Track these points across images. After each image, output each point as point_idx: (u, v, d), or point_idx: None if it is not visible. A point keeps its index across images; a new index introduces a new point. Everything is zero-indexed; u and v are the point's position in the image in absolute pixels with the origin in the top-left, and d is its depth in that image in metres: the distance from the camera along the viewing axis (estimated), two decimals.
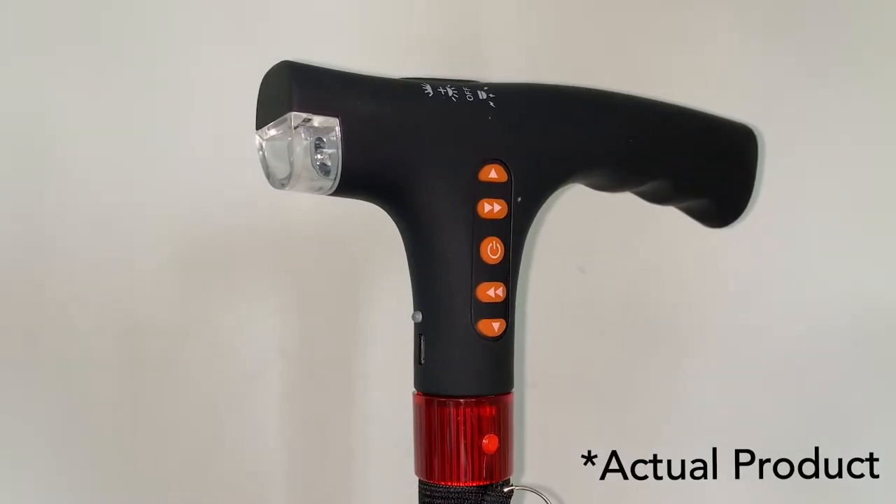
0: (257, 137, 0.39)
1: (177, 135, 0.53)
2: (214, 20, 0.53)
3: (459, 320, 0.39)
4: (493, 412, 0.39)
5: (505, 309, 0.40)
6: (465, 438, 0.39)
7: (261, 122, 0.38)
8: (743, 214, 0.50)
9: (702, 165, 0.48)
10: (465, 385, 0.39)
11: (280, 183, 0.38)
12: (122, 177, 0.53)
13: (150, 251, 0.53)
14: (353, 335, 0.55)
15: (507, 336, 0.40)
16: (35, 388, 0.53)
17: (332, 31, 0.54)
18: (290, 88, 0.34)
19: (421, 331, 0.40)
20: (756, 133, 0.49)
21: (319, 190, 0.37)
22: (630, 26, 0.55)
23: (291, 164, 0.36)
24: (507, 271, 0.40)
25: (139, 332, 0.53)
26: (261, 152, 0.39)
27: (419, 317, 0.40)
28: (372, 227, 0.48)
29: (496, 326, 0.39)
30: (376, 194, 0.39)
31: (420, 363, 0.40)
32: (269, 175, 0.39)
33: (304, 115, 0.34)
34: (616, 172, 0.44)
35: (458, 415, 0.39)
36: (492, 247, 0.39)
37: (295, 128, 0.35)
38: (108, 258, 0.53)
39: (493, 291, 0.39)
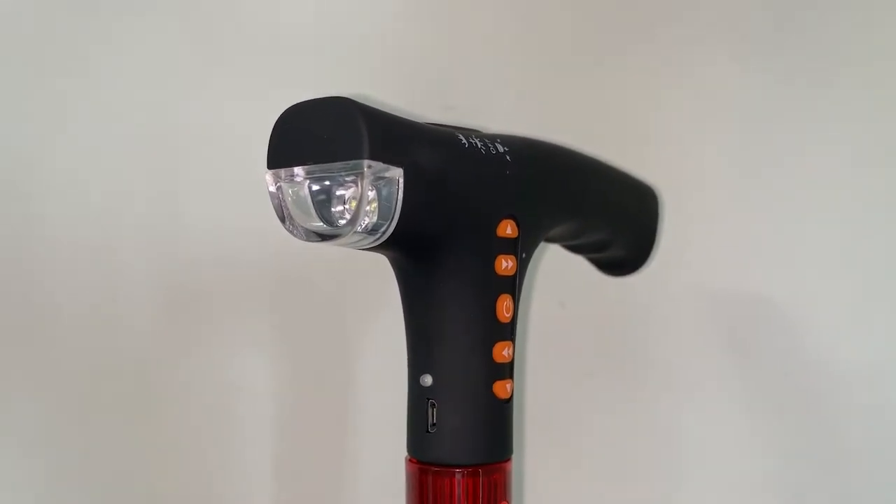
0: (271, 178, 0.33)
1: (171, 174, 0.54)
2: (210, 55, 0.55)
3: (477, 383, 0.37)
4: (505, 479, 0.38)
5: (512, 369, 0.38)
6: None
7: (283, 161, 0.33)
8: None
9: (631, 220, 0.51)
10: (482, 452, 0.37)
11: (313, 235, 0.32)
12: (110, 216, 0.55)
13: (139, 294, 0.55)
14: (344, 388, 0.54)
15: (513, 398, 0.38)
16: (18, 434, 0.55)
17: (321, 63, 0.54)
18: (363, 132, 0.30)
19: (430, 395, 0.37)
20: (656, 192, 0.54)
21: (356, 244, 0.33)
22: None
23: (351, 217, 0.31)
24: (515, 329, 0.38)
25: (125, 373, 0.55)
26: (276, 193, 0.33)
27: (429, 380, 0.37)
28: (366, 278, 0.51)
29: (508, 388, 0.38)
30: (404, 250, 0.35)
31: (427, 431, 0.37)
32: (285, 218, 0.33)
33: (372, 163, 0.30)
34: (576, 226, 0.45)
35: (477, 484, 0.36)
36: (506, 304, 0.38)
37: (363, 176, 0.30)
38: (92, 298, 0.55)
39: (506, 351, 0.38)
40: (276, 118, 0.33)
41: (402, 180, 0.31)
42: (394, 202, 0.31)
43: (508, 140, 0.39)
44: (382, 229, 0.32)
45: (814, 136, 0.50)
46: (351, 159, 0.30)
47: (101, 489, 0.55)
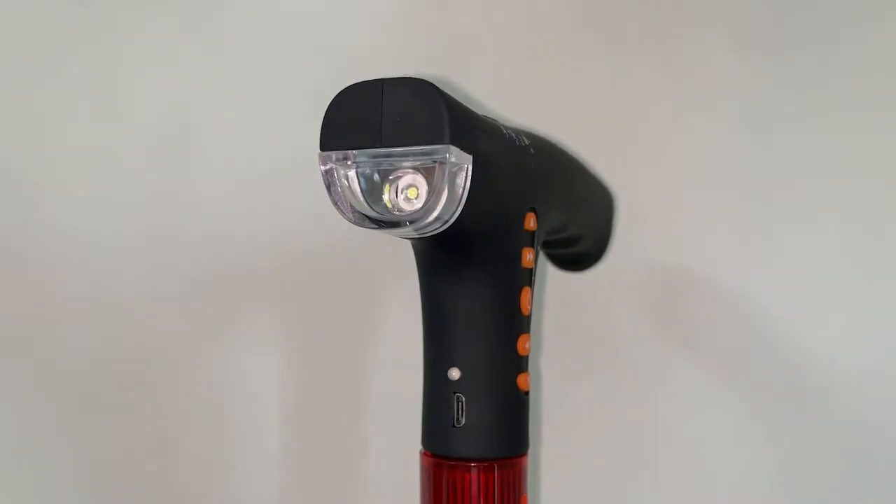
0: (324, 160, 0.31)
1: (175, 171, 0.54)
2: (213, 51, 0.54)
3: (504, 376, 0.36)
4: (524, 472, 0.38)
5: (529, 361, 0.38)
6: (511, 502, 0.36)
7: (340, 143, 0.31)
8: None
9: (598, 216, 0.52)
10: (506, 446, 0.37)
11: (367, 220, 0.31)
12: (112, 213, 0.54)
13: (143, 292, 0.54)
14: (354, 382, 0.54)
15: (530, 390, 0.39)
16: (18, 433, 0.54)
17: (322, 61, 0.54)
18: (445, 115, 0.29)
19: (457, 389, 0.36)
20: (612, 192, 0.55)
21: (408, 233, 0.32)
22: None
23: (423, 206, 0.30)
24: (531, 322, 0.39)
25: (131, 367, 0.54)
26: (327, 176, 0.31)
27: (456, 374, 0.36)
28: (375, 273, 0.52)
29: (528, 380, 0.38)
30: (441, 240, 0.34)
31: (453, 426, 0.36)
32: (336, 202, 0.31)
33: (453, 149, 0.29)
34: (565, 221, 0.46)
35: (501, 478, 0.36)
36: (528, 297, 0.38)
37: (445, 163, 0.29)
38: (95, 295, 0.54)
39: (527, 344, 0.38)
40: (333, 97, 0.31)
41: (470, 168, 0.30)
42: (461, 191, 0.30)
43: (527, 134, 0.39)
44: (445, 218, 0.31)
45: (808, 135, 0.53)
46: (430, 144, 0.29)
47: (102, 489, 0.53)
